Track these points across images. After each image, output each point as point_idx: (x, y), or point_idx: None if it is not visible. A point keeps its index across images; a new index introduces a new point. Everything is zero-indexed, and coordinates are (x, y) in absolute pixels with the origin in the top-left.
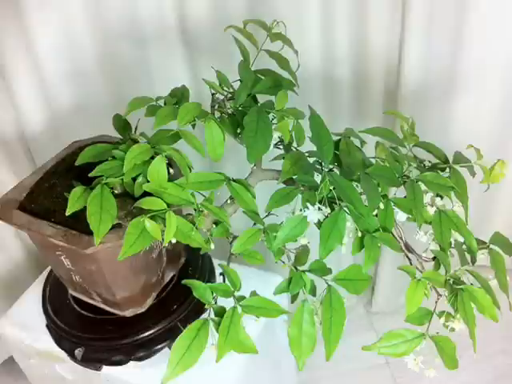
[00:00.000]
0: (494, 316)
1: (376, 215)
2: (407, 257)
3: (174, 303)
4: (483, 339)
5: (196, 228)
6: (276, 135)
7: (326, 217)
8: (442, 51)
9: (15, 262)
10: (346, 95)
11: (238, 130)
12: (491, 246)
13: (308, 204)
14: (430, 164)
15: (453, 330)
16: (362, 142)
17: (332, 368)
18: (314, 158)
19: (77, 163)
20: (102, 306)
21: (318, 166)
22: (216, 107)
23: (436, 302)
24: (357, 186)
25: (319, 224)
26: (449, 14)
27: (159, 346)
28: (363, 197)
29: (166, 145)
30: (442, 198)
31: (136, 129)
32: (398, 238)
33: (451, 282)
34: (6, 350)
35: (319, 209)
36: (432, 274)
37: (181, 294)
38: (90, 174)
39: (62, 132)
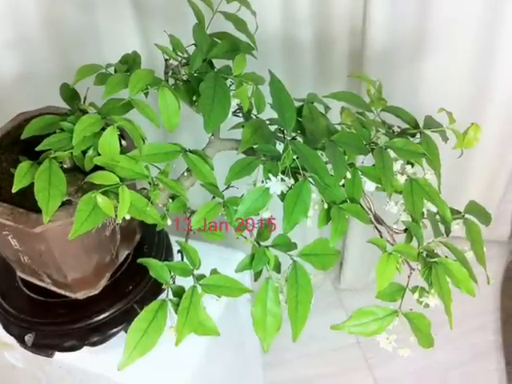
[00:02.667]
0: (471, 290)
1: (343, 185)
2: (377, 229)
3: (130, 284)
4: (459, 315)
5: (151, 203)
6: (234, 102)
7: (290, 188)
8: (409, 10)
9: None
10: (308, 58)
11: (194, 98)
12: (466, 216)
13: (270, 175)
14: (399, 129)
15: (427, 305)
16: (327, 108)
17: (299, 349)
18: (276, 126)
19: (23, 136)
20: (53, 288)
21: (279, 135)
22: (170, 74)
23: (409, 277)
24: (322, 154)
25: (282, 196)
26: None
27: (114, 330)
28: (329, 166)
29: (118, 115)
30: (412, 165)
31: (85, 98)
32: (366, 209)
33: (424, 254)
34: None
35: (282, 180)
36: (404, 247)
37: (136, 273)
38: (37, 148)
39: (5, 103)
